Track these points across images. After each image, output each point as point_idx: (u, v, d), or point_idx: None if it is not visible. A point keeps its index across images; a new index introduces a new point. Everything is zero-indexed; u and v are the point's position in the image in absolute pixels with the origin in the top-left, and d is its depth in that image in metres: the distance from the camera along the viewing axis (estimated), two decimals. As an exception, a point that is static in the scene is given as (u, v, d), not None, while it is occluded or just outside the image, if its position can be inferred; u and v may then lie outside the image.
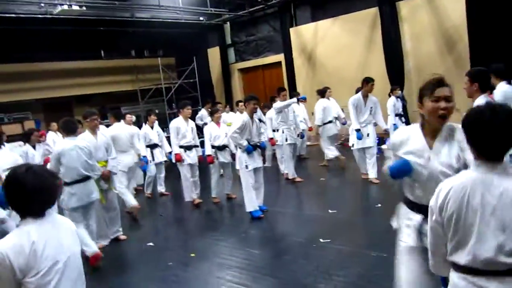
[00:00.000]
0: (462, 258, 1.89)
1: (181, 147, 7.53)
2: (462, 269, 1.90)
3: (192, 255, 5.28)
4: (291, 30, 13.20)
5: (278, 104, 8.41)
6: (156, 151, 8.70)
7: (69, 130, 5.37)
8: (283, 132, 8.49)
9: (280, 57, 13.69)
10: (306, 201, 7.48)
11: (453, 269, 1.96)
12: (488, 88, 4.10)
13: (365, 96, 7.62)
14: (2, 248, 1.99)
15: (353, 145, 7.93)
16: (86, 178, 5.29)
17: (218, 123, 7.61)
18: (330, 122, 9.33)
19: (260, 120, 10.14)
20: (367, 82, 7.52)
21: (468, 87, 4.09)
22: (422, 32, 10.57)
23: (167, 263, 5.12)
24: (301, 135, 8.82)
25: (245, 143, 6.43)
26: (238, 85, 15.23)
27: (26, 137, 7.68)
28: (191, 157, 7.59)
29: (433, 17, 10.39)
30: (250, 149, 6.43)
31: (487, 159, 1.86)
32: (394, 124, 8.85)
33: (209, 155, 7.41)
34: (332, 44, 12.23)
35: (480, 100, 3.89)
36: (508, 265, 1.79)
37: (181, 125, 7.57)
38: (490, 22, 9.04)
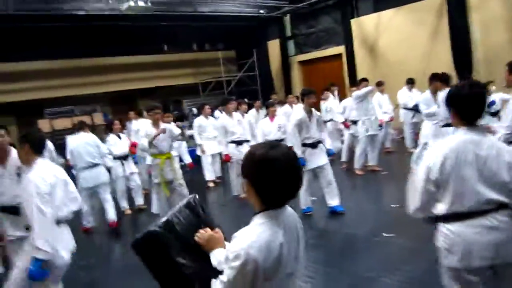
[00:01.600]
0: (463, 205, 2.33)
1: (232, 142, 7.49)
2: (464, 216, 2.34)
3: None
4: (352, 21, 12.96)
5: (357, 92, 8.21)
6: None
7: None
8: (363, 123, 8.20)
9: (340, 49, 13.48)
10: (367, 195, 7.35)
11: (452, 220, 2.38)
12: None
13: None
14: (248, 248, 1.62)
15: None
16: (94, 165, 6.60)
17: (272, 117, 7.48)
18: None
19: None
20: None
21: (507, 76, 4.32)
22: (492, 21, 10.03)
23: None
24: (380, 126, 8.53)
25: (299, 151, 5.85)
26: (297, 77, 15.15)
27: (108, 128, 8.00)
28: (243, 151, 7.37)
29: (505, 5, 9.83)
30: (302, 163, 5.76)
31: (469, 124, 2.38)
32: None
33: None
34: (395, 35, 11.87)
35: None
36: (497, 202, 2.32)
37: (226, 122, 7.52)
38: None
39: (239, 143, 7.51)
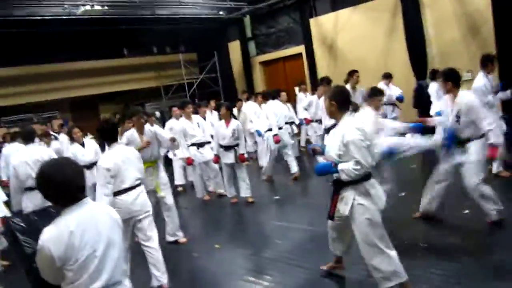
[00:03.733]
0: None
1: (193, 145, 7.38)
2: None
3: (217, 246, 5.36)
4: (311, 20, 13.13)
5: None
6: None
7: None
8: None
9: (300, 49, 13.64)
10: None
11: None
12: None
13: (353, 88, 7.59)
14: (43, 238, 2.12)
15: None
16: None
17: (227, 122, 7.02)
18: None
19: None
20: (352, 75, 7.71)
21: (444, 85, 4.63)
22: (445, 18, 10.37)
23: (192, 254, 5.22)
24: None
25: None
26: (259, 78, 15.23)
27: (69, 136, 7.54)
28: (204, 153, 7.45)
29: (456, 2, 10.18)
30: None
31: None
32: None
33: (215, 155, 7.22)
34: (353, 33, 12.11)
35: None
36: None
37: (186, 125, 7.39)
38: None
39: (200, 145, 7.46)
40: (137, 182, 4.36)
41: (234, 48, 15.48)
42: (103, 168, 4.13)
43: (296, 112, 9.87)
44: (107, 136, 4.47)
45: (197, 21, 14.23)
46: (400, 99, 9.27)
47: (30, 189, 5.26)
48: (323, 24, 12.92)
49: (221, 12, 14.36)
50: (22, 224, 2.42)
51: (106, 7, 11.03)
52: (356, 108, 3.64)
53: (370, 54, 11.60)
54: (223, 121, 7.12)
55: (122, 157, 4.25)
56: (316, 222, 5.73)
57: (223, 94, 15.04)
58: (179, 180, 8.81)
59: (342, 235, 3.84)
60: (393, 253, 3.39)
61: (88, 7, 10.70)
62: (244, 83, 15.26)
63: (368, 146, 3.34)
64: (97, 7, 10.85)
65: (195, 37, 15.09)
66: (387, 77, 9.64)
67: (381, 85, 9.65)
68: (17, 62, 12.29)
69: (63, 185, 2.18)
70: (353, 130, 3.32)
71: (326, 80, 7.87)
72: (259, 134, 8.94)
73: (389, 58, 11.28)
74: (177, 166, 8.76)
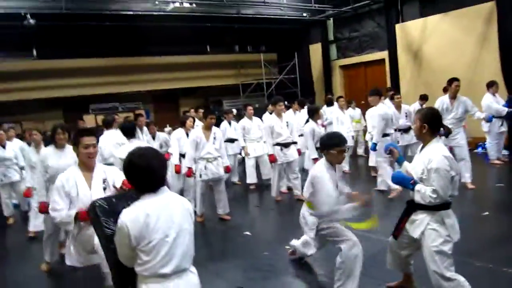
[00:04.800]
0: None
1: (277, 144, 7.33)
2: None
3: (287, 247, 5.36)
4: (397, 26, 12.75)
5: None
6: None
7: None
8: None
9: (383, 54, 13.30)
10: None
11: None
12: None
13: (453, 98, 7.16)
14: (123, 218, 2.31)
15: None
16: None
17: (319, 122, 7.23)
18: None
19: None
20: (451, 83, 7.17)
21: None
22: (545, 28, 9.66)
23: (263, 252, 5.26)
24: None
25: None
26: (338, 82, 15.04)
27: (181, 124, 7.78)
28: (288, 154, 7.40)
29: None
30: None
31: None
32: None
33: (314, 159, 6.74)
34: (440, 41, 11.61)
35: None
36: None
37: (274, 123, 7.37)
38: None
39: (285, 145, 7.36)
40: None
41: (315, 50, 15.39)
42: (119, 159, 4.82)
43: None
44: (127, 132, 5.75)
45: (280, 21, 14.30)
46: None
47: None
48: (409, 30, 12.51)
49: (304, 14, 14.35)
50: (105, 206, 2.59)
51: (194, 5, 11.38)
52: (448, 133, 3.66)
53: (457, 64, 11.05)
54: (312, 122, 7.13)
55: None
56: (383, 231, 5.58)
57: (300, 96, 15.00)
58: (251, 178, 8.92)
59: (401, 252, 3.80)
60: (462, 278, 3.29)
61: (177, 4, 11.10)
62: (322, 86, 15.14)
63: (452, 177, 3.28)
64: (186, 5, 11.22)
65: (277, 38, 15.20)
66: (492, 85, 8.70)
67: (488, 96, 8.76)
68: (107, 54, 13.05)
69: (146, 174, 2.36)
70: (441, 158, 3.27)
71: (378, 92, 7.62)
72: None
73: (478, 69, 10.70)
74: (249, 165, 8.88)
